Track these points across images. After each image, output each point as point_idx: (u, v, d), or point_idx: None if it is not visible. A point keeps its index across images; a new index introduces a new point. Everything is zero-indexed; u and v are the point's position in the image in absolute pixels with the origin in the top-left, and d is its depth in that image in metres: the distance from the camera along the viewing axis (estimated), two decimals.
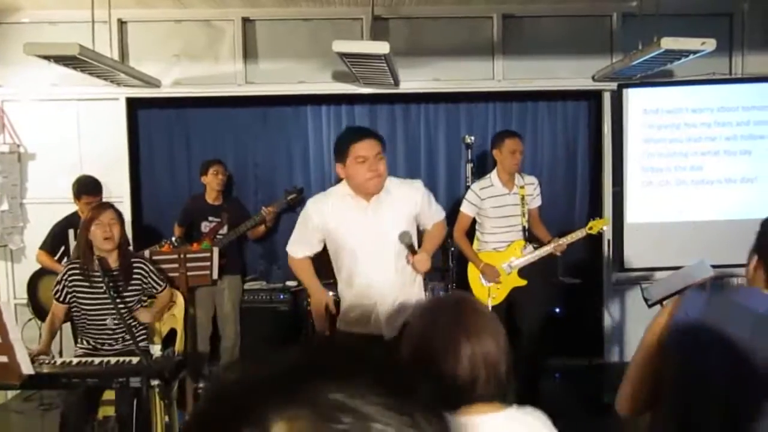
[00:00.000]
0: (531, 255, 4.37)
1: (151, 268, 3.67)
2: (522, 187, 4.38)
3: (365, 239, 2.95)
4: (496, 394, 1.42)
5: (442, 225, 3.24)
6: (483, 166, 5.59)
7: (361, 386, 0.56)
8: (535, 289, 4.36)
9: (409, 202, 3.01)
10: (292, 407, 0.54)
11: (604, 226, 4.43)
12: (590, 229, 4.38)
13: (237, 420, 0.54)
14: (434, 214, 3.17)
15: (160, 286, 3.71)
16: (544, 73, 5.22)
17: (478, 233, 4.53)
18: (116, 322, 3.46)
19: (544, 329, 4.35)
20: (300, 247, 3.16)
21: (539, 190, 4.51)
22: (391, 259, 2.97)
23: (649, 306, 3.87)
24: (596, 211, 5.55)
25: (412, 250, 2.92)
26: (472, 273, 4.46)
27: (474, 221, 4.48)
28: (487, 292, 4.33)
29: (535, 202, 4.49)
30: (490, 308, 4.19)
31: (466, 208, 4.43)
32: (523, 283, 4.37)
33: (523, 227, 4.40)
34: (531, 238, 4.46)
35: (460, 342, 1.38)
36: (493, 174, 4.44)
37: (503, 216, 4.36)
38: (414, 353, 1.42)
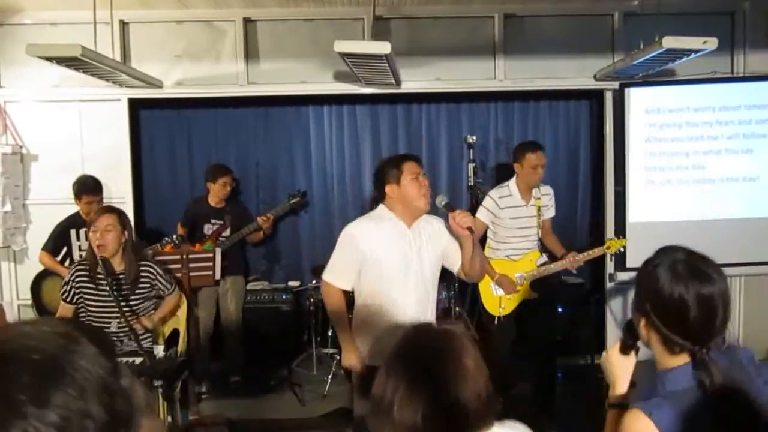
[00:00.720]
0: (546, 269, 4.29)
1: (159, 270, 3.66)
2: (539, 199, 4.32)
3: (404, 266, 2.97)
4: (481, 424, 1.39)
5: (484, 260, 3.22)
6: (483, 165, 5.61)
7: None
8: (545, 294, 4.32)
9: (442, 236, 3.07)
10: None
11: (621, 246, 4.38)
12: (608, 248, 4.36)
13: None
14: (456, 257, 3.07)
15: (169, 287, 3.71)
16: (545, 72, 5.22)
17: (490, 240, 4.42)
18: (120, 325, 3.46)
19: (554, 331, 4.34)
20: (339, 275, 3.06)
21: (554, 200, 4.47)
22: (429, 288, 3.03)
23: None
24: (598, 211, 5.55)
25: (450, 208, 2.91)
26: (484, 282, 4.30)
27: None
28: (498, 303, 4.26)
29: (549, 212, 4.45)
30: (497, 319, 4.19)
31: (482, 216, 4.31)
32: (534, 295, 4.31)
33: (539, 237, 4.36)
34: (542, 248, 4.41)
35: (431, 394, 1.31)
36: (512, 183, 4.32)
37: (520, 227, 4.29)
38: (380, 403, 1.35)
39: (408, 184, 2.96)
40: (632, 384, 1.73)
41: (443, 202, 2.97)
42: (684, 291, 1.50)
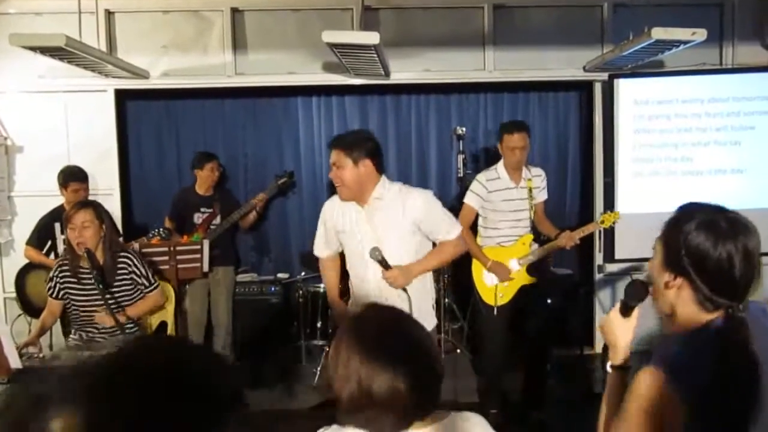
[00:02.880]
0: (541, 250, 4.17)
1: (137, 262, 3.53)
2: (529, 180, 4.18)
3: (363, 242, 2.97)
4: (426, 411, 1.42)
5: (450, 244, 3.04)
6: (473, 157, 5.61)
7: None
8: (540, 283, 4.21)
9: (406, 210, 2.95)
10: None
11: (616, 219, 4.22)
12: (602, 222, 4.23)
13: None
14: (440, 229, 3.02)
15: (147, 284, 3.57)
16: (535, 63, 5.21)
17: (480, 227, 4.27)
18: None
19: (548, 321, 4.25)
20: (321, 246, 3.27)
21: (546, 182, 4.32)
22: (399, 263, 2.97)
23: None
24: (587, 202, 5.57)
25: (383, 265, 2.83)
26: (477, 271, 4.19)
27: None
28: (494, 292, 4.10)
29: (542, 195, 4.29)
30: (496, 309, 4.07)
31: (471, 200, 4.15)
32: (532, 280, 4.17)
33: (531, 221, 4.22)
34: (535, 233, 4.29)
35: (395, 368, 1.34)
36: (500, 166, 4.18)
37: (511, 210, 4.14)
38: (345, 384, 1.37)
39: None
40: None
41: (377, 256, 2.82)
42: (733, 249, 1.50)
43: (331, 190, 5.63)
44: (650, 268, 1.65)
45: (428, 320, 3.07)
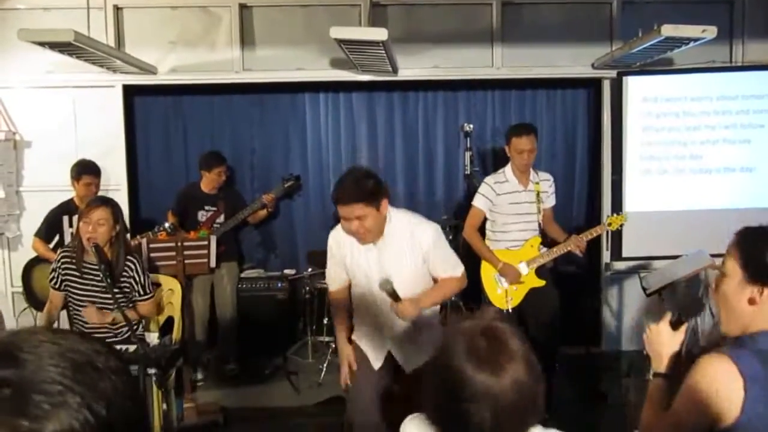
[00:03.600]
0: (550, 252, 4.15)
1: (139, 269, 3.52)
2: (537, 184, 4.18)
3: (371, 275, 2.92)
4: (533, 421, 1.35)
5: (452, 281, 3.00)
6: (480, 154, 5.59)
7: None
8: (548, 284, 4.18)
9: (415, 244, 2.90)
10: None
11: (623, 221, 4.23)
12: (609, 225, 4.23)
13: None
14: (447, 266, 2.98)
15: (142, 292, 3.54)
16: (543, 60, 5.19)
17: (488, 231, 4.26)
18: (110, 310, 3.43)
19: (557, 321, 4.19)
20: (333, 279, 3.14)
21: (554, 188, 4.32)
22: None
23: (648, 295, 3.86)
24: (595, 200, 5.54)
25: (393, 297, 2.78)
26: (486, 274, 4.16)
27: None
28: (505, 296, 4.09)
29: (550, 201, 4.29)
30: (507, 311, 4.03)
31: (479, 203, 4.16)
32: (542, 283, 4.15)
33: (539, 224, 4.21)
34: (544, 238, 4.27)
35: (488, 382, 1.27)
36: (508, 169, 4.19)
37: (519, 213, 4.13)
38: (440, 391, 1.34)
39: (343, 224, 2.87)
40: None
41: (388, 288, 2.76)
42: None
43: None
44: (721, 293, 1.69)
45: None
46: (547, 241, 4.32)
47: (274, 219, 5.63)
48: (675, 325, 1.81)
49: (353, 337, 3.16)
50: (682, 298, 1.77)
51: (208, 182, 5.05)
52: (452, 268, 3.00)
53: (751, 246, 1.66)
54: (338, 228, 2.99)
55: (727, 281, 1.67)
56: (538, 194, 4.18)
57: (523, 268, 4.13)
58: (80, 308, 3.45)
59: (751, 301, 1.61)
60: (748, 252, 1.65)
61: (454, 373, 1.30)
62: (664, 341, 1.80)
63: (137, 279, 3.52)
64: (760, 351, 1.56)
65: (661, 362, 1.80)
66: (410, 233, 2.91)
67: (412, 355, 2.96)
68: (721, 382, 1.52)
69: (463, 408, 1.28)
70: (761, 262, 1.61)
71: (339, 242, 3.01)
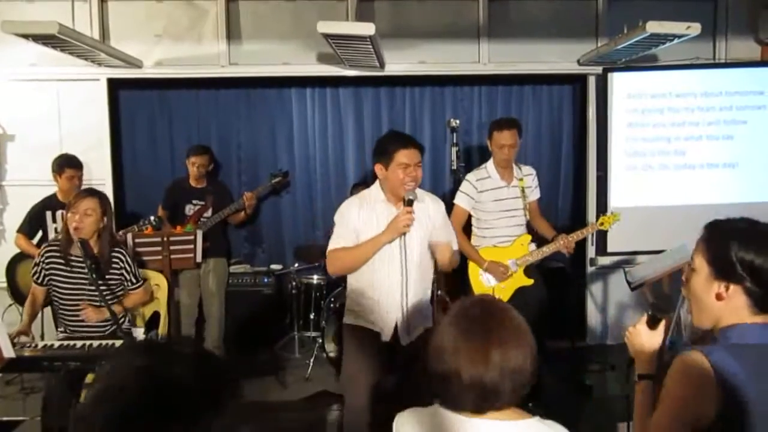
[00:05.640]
0: (540, 251, 4.14)
1: (129, 260, 3.53)
2: (521, 179, 4.14)
3: (388, 247, 2.99)
4: (519, 401, 1.46)
5: (452, 253, 3.11)
6: (469, 151, 5.61)
7: None
8: (537, 281, 4.18)
9: (433, 216, 3.11)
10: None
11: (615, 220, 4.18)
12: (601, 225, 4.18)
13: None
14: (448, 236, 3.15)
15: (134, 282, 3.56)
16: (529, 56, 5.21)
17: (474, 228, 4.22)
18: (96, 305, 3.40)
19: (545, 320, 4.17)
20: (345, 239, 3.09)
21: (537, 181, 4.30)
22: (413, 268, 3.01)
23: (632, 289, 3.90)
24: (580, 195, 5.58)
25: (408, 204, 2.93)
26: (473, 273, 4.13)
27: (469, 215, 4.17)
28: (492, 294, 4.00)
29: (534, 194, 4.27)
30: None
31: (461, 201, 4.10)
32: (529, 282, 4.14)
33: (527, 221, 4.18)
34: (531, 232, 4.26)
35: (490, 351, 1.41)
36: (489, 164, 4.16)
37: (504, 210, 4.10)
38: (440, 359, 1.46)
39: (393, 172, 2.97)
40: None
41: (413, 196, 2.96)
42: None
43: (324, 183, 5.67)
44: (690, 288, 1.70)
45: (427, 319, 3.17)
46: (536, 238, 4.31)
47: (255, 219, 5.60)
48: (652, 324, 1.81)
49: (350, 319, 3.16)
50: (666, 292, 1.72)
51: (191, 174, 5.00)
52: (454, 242, 3.19)
53: (717, 242, 1.66)
54: (353, 200, 3.13)
55: (695, 276, 1.68)
56: (523, 190, 4.14)
57: (512, 266, 4.12)
58: (67, 303, 3.43)
59: (719, 297, 1.62)
60: (713, 248, 1.66)
61: (447, 336, 1.46)
62: (644, 341, 1.81)
63: (128, 269, 3.52)
64: (732, 346, 1.57)
65: (641, 363, 1.81)
66: (427, 204, 3.10)
67: (414, 322, 3.06)
68: (696, 384, 1.52)
69: (455, 369, 1.41)
70: (726, 259, 1.61)
71: (358, 212, 3.04)
